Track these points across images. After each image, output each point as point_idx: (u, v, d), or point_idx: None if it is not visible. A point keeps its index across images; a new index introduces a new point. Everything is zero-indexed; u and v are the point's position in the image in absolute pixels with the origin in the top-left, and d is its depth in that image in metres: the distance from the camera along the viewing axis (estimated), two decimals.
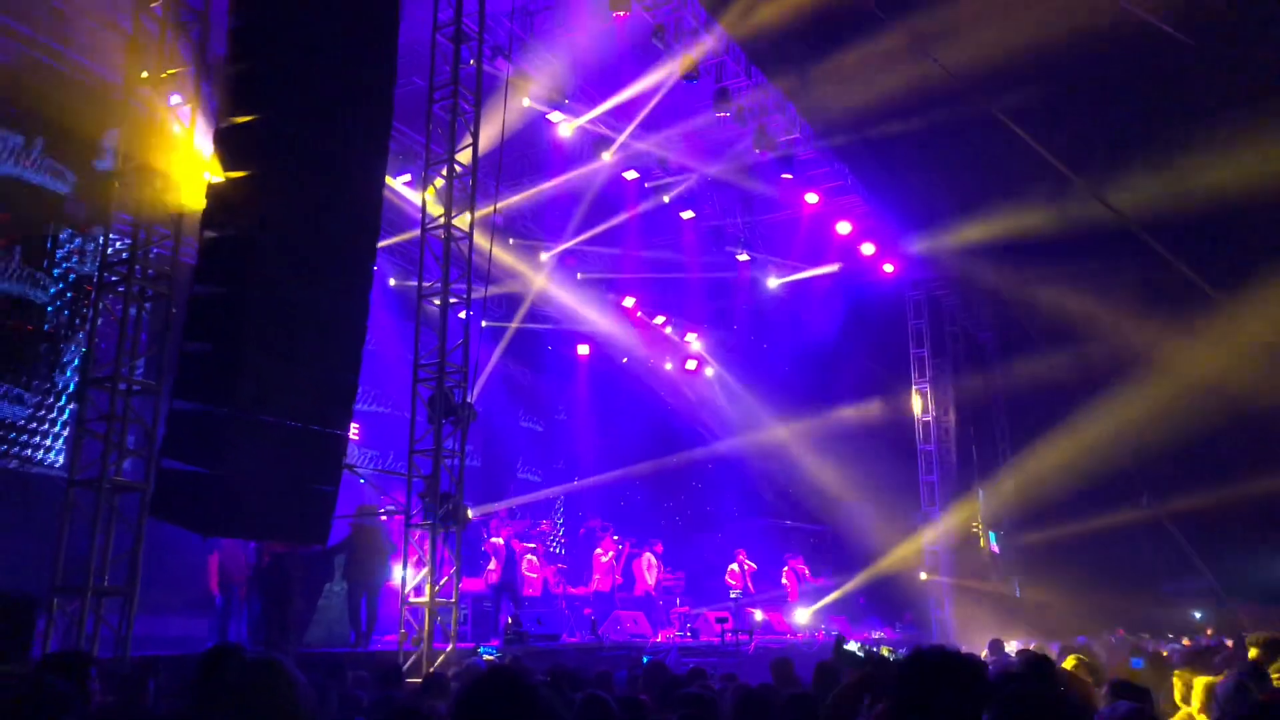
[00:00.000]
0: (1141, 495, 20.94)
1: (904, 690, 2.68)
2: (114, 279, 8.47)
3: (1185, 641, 14.85)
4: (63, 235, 11.68)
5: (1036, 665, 5.10)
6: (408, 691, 6.94)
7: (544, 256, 18.79)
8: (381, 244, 10.20)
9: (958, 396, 22.19)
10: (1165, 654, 9.05)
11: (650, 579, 17.48)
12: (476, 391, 12.49)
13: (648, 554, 17.62)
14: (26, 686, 3.08)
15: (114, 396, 8.05)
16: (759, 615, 17.21)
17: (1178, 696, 6.00)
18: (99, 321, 8.84)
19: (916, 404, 21.80)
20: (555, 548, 20.18)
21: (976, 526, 21.90)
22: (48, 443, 11.27)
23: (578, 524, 20.63)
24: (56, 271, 11.51)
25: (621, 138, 15.69)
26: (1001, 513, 22.81)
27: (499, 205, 12.04)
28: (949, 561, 20.85)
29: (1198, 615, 22.25)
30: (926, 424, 21.64)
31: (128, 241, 8.62)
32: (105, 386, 8.13)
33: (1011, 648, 11.38)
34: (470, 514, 10.68)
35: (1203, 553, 21.01)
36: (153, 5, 8.70)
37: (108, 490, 7.80)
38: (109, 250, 8.70)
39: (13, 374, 10.98)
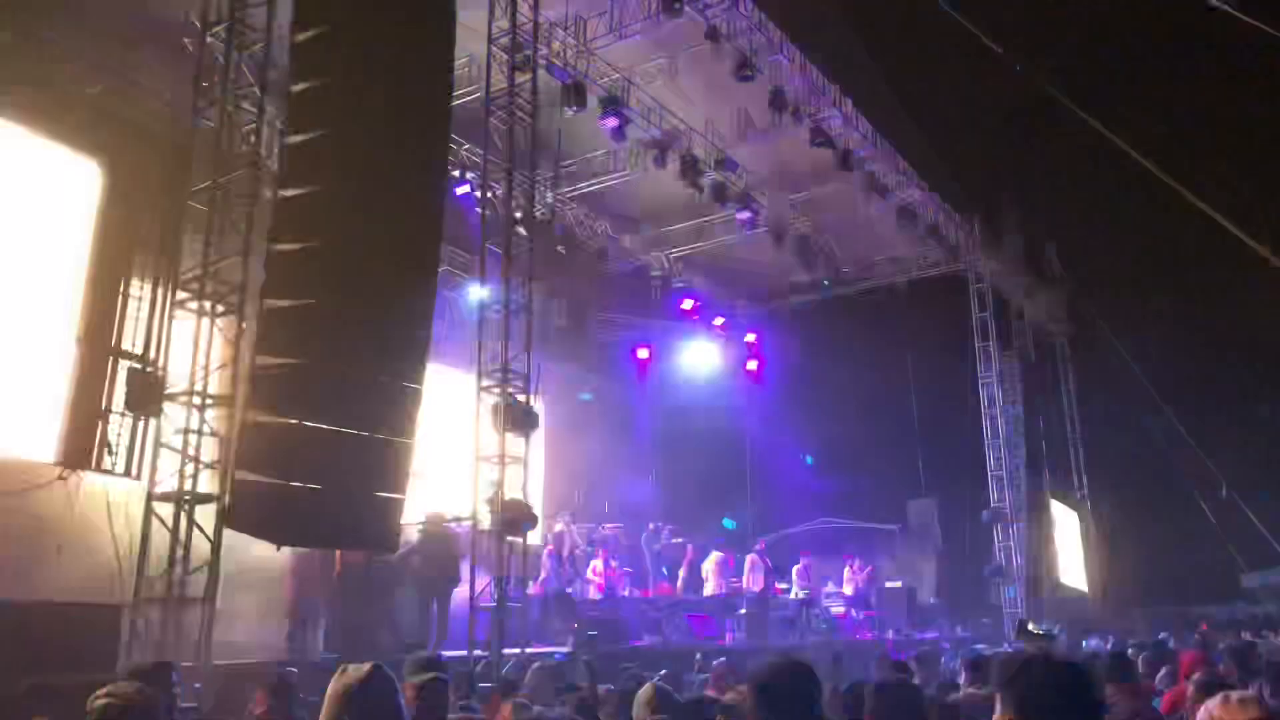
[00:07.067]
0: (1220, 484, 20.29)
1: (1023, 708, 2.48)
2: (186, 296, 8.69)
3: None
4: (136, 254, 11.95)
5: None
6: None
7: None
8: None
9: (1026, 390, 21.72)
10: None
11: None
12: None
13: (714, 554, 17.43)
14: (116, 692, 3.18)
15: (189, 411, 8.26)
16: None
17: None
18: (172, 337, 9.08)
19: (983, 398, 21.37)
20: (620, 552, 20.14)
21: (1048, 522, 21.44)
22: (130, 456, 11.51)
23: (640, 528, 20.57)
24: (134, 291, 11.78)
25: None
26: (1071, 505, 22.33)
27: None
28: (1020, 559, 20.41)
29: None
30: (994, 418, 21.21)
31: (199, 259, 8.84)
32: (181, 401, 8.34)
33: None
34: (537, 518, 10.75)
35: None
36: (217, 26, 8.91)
37: (186, 502, 7.99)
38: (181, 268, 8.96)
39: None
